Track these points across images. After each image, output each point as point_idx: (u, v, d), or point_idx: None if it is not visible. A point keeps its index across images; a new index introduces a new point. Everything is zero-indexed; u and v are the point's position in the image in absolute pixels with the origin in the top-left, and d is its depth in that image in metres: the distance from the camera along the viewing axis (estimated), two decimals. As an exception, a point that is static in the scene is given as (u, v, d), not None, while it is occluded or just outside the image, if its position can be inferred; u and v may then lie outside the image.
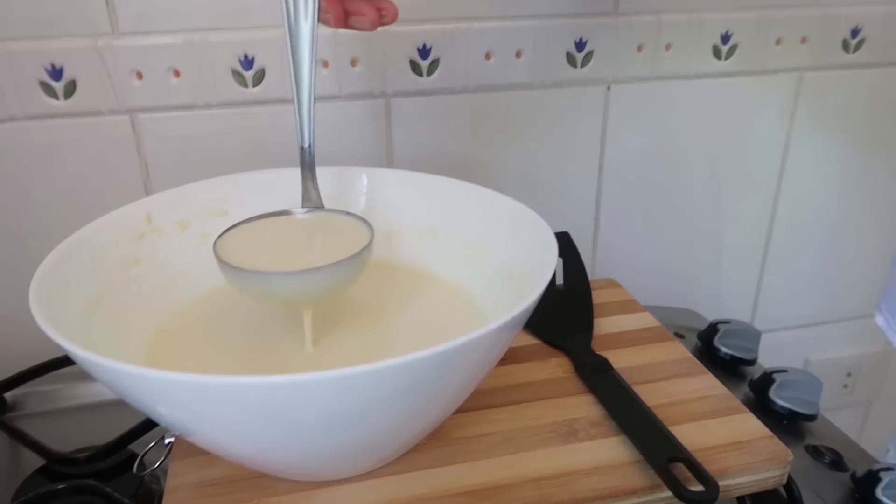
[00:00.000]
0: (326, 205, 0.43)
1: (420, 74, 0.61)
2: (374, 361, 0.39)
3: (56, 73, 0.53)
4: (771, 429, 0.46)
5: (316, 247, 0.42)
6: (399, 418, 0.33)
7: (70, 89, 0.54)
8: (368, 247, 0.39)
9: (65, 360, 0.52)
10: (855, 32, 0.69)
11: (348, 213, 0.42)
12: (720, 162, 0.71)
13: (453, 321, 0.43)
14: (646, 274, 0.74)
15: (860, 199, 0.78)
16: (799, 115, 0.72)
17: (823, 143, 0.74)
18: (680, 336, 0.59)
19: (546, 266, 0.36)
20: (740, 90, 0.69)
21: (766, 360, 0.59)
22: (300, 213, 0.42)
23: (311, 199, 0.42)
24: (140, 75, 0.55)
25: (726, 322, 0.56)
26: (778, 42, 0.68)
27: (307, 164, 0.42)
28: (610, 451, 0.39)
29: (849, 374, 0.86)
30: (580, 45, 0.64)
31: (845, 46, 0.70)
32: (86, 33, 0.53)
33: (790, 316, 0.82)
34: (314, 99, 0.40)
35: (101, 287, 0.39)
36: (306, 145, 0.41)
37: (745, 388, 0.51)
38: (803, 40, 0.68)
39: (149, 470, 0.39)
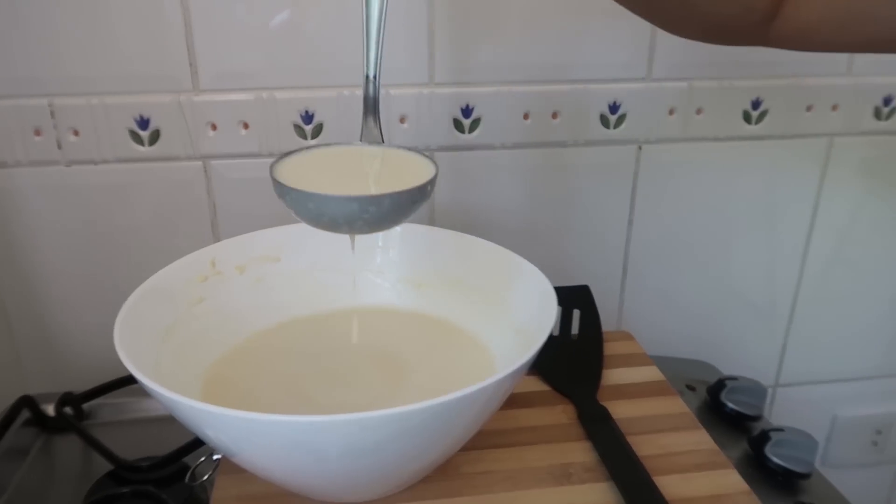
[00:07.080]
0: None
1: (462, 131, 0.66)
2: (390, 403, 0.45)
3: (143, 123, 0.61)
4: (765, 484, 0.49)
5: (375, 176, 0.41)
6: (410, 454, 0.38)
7: (154, 137, 0.62)
8: (432, 181, 0.38)
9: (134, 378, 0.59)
10: (888, 101, 0.72)
11: (410, 149, 0.41)
12: (749, 219, 0.74)
13: (467, 369, 0.48)
14: (672, 325, 0.76)
15: (891, 256, 0.79)
16: (829, 176, 0.74)
17: (853, 203, 0.75)
18: (691, 389, 0.62)
19: (543, 329, 0.41)
20: (770, 152, 0.72)
21: (793, 414, 0.59)
22: (361, 145, 0.41)
23: (372, 135, 0.40)
24: (214, 126, 0.63)
25: (734, 378, 0.59)
26: (809, 108, 0.71)
27: (370, 97, 0.39)
28: (599, 495, 0.43)
29: (879, 432, 0.86)
30: (614, 108, 0.68)
31: (877, 114, 0.72)
32: (171, 90, 0.61)
33: (818, 371, 0.83)
34: (384, 28, 0.38)
35: (171, 322, 0.45)
36: (371, 75, 0.38)
37: (745, 444, 0.54)
38: (834, 107, 0.71)
39: (198, 481, 0.45)
